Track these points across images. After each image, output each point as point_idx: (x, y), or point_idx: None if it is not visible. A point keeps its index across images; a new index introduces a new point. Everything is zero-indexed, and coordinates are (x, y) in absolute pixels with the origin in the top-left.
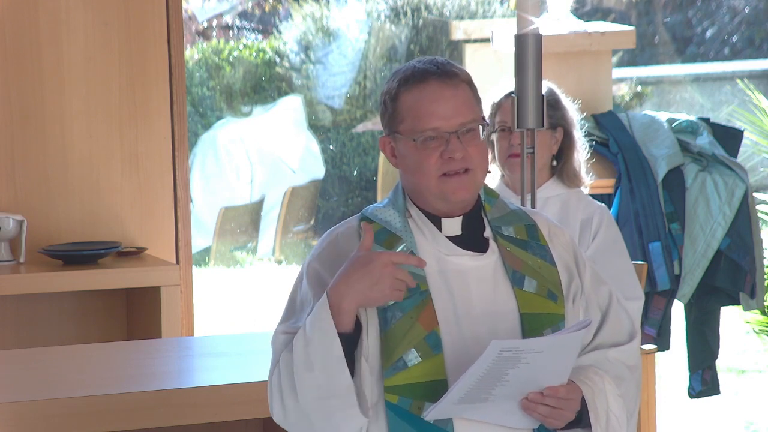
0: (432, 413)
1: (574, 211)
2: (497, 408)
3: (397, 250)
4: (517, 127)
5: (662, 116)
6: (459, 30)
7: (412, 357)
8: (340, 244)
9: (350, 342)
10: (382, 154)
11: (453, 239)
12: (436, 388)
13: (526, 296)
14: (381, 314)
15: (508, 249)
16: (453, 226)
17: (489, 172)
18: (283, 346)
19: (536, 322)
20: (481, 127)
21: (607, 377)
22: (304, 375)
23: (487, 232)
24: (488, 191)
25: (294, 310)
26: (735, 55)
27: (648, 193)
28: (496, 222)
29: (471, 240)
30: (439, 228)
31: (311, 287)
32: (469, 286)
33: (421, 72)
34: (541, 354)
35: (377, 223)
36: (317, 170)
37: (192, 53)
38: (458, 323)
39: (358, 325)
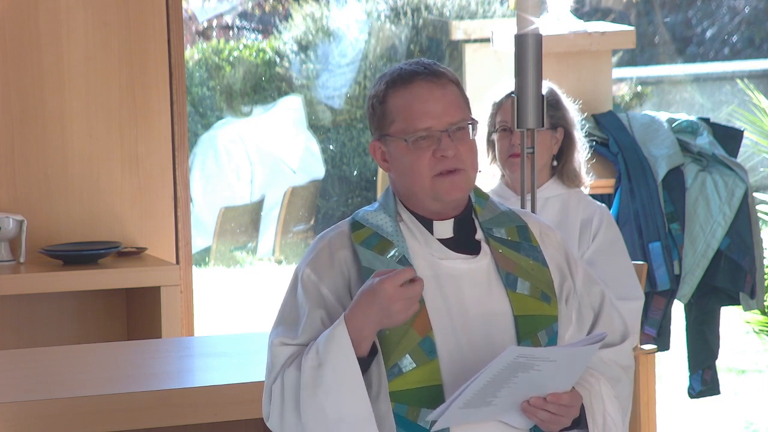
0: (441, 421)
1: (574, 212)
2: (497, 408)
3: (389, 256)
4: (517, 127)
5: (662, 116)
6: (459, 30)
7: (407, 363)
8: (333, 248)
9: (362, 366)
10: None
11: (444, 242)
12: (432, 394)
13: (519, 298)
14: None
15: (500, 251)
16: (445, 228)
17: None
18: (284, 358)
19: (530, 325)
20: (470, 126)
21: (603, 379)
22: (312, 396)
23: (479, 235)
24: (478, 193)
25: (290, 320)
26: (735, 55)
27: (648, 193)
28: (487, 224)
29: (463, 243)
30: (431, 231)
31: (307, 297)
32: (462, 289)
33: (409, 73)
34: (554, 363)
35: (368, 228)
36: (317, 170)
37: (192, 53)
38: (453, 328)
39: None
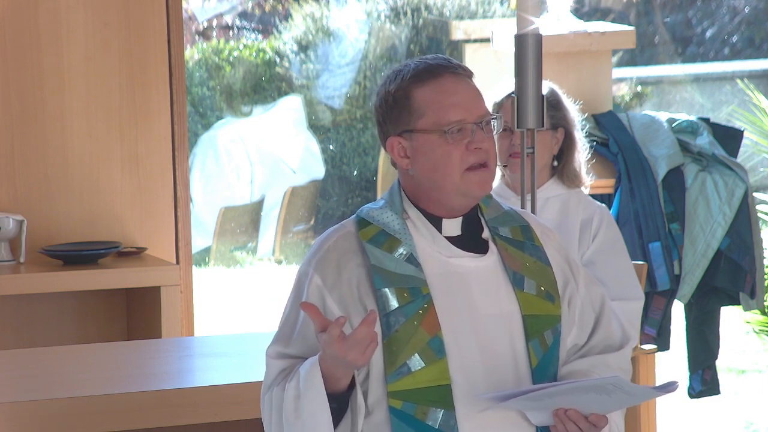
0: (499, 403)
1: (574, 212)
2: (540, 406)
3: (397, 254)
4: (517, 127)
5: (662, 116)
6: (459, 30)
7: (416, 362)
8: (339, 249)
9: (344, 397)
10: (382, 154)
11: (452, 240)
12: (441, 393)
13: (527, 298)
14: (384, 319)
15: (507, 250)
16: (453, 226)
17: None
18: (275, 372)
19: (537, 324)
20: (494, 122)
21: None
22: (294, 422)
23: (485, 233)
24: None
25: (288, 327)
26: (735, 55)
27: (648, 193)
28: (492, 222)
29: (469, 241)
30: (439, 229)
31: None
32: (471, 288)
33: (434, 66)
34: (626, 395)
35: (375, 225)
36: (317, 170)
37: (192, 53)
38: (462, 327)
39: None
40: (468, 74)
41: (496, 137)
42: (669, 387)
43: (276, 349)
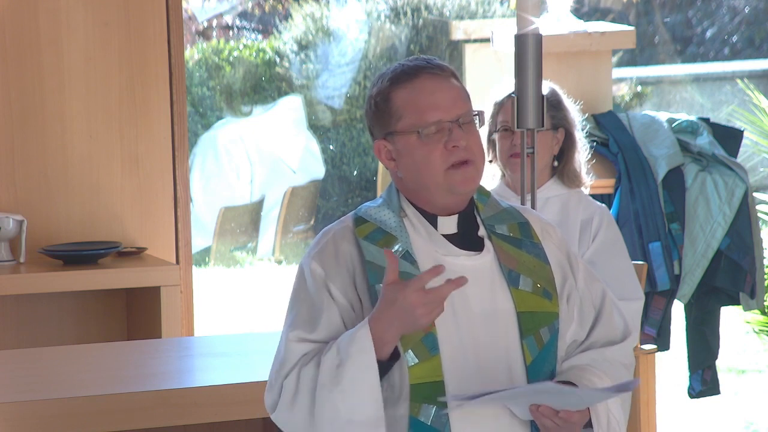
0: (459, 407)
1: (575, 212)
2: (510, 404)
3: (392, 251)
4: (517, 127)
5: (662, 116)
6: (459, 30)
7: (410, 358)
8: (337, 243)
9: (382, 368)
10: None
11: (448, 238)
12: (433, 390)
13: (522, 295)
14: None
15: (503, 248)
16: (449, 224)
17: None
18: (299, 354)
19: (533, 321)
20: (477, 117)
21: (606, 379)
22: (328, 394)
23: (482, 231)
24: (480, 190)
25: (306, 314)
26: (735, 55)
27: (648, 193)
28: (489, 220)
29: (466, 239)
30: (435, 227)
31: (320, 293)
32: (466, 286)
33: (412, 68)
34: (578, 397)
35: (372, 223)
36: (317, 170)
37: (192, 53)
38: (456, 324)
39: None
40: (448, 74)
41: (497, 136)
42: (625, 386)
43: (298, 334)
